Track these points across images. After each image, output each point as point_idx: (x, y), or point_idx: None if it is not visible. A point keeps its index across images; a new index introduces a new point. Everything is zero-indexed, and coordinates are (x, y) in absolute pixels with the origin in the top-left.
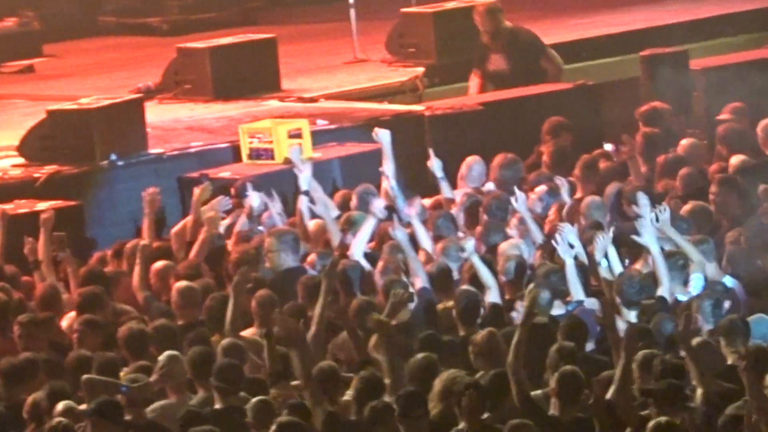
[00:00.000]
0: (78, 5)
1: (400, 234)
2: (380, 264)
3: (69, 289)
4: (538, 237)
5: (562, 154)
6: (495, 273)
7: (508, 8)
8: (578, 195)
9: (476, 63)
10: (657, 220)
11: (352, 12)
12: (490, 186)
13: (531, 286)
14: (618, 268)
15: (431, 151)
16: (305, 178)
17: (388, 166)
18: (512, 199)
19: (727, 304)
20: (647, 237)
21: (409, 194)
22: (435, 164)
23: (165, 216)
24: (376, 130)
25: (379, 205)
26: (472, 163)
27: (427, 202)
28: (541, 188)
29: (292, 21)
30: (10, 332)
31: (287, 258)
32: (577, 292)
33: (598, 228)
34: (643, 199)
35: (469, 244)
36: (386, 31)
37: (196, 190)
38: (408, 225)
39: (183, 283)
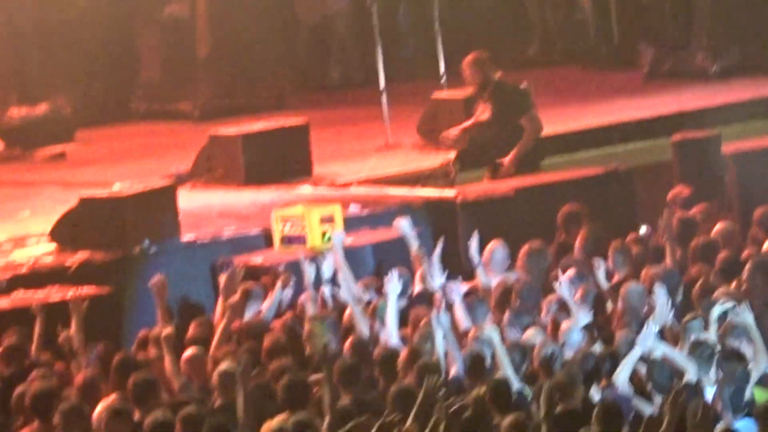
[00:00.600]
0: (109, 91)
1: (443, 321)
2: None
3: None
4: (583, 318)
5: (595, 240)
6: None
7: (538, 92)
8: (614, 280)
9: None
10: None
11: (384, 97)
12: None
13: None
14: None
15: (475, 235)
16: (328, 265)
17: (418, 250)
18: (555, 284)
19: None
20: (646, 340)
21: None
22: (474, 248)
23: (198, 302)
24: (395, 222)
25: (393, 286)
26: (494, 249)
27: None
28: (570, 272)
29: (324, 106)
30: (51, 420)
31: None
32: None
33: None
34: (661, 292)
35: (490, 330)
36: (417, 117)
37: (222, 278)
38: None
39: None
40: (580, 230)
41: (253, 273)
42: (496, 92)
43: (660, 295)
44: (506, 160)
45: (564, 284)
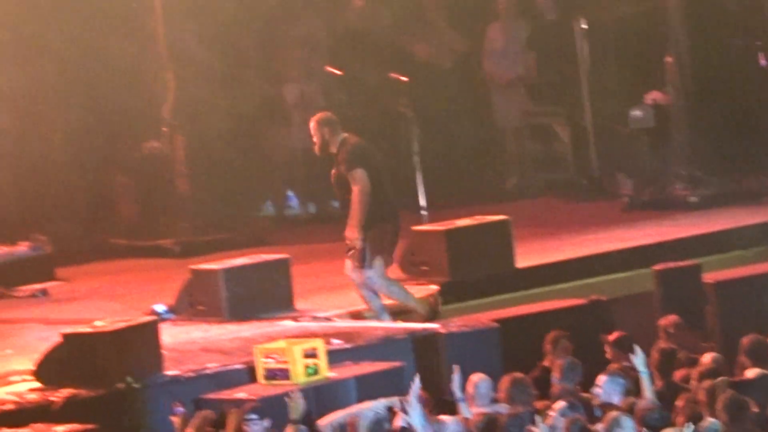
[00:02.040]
0: (89, 228)
1: None
2: None
3: None
4: None
5: (573, 367)
6: None
7: (519, 224)
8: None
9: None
10: None
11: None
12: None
13: None
14: None
15: (456, 369)
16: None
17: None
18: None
19: None
20: None
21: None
22: (456, 383)
23: None
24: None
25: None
26: (477, 382)
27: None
28: (561, 404)
29: (302, 240)
30: None
31: None
32: None
33: None
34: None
35: None
36: (397, 250)
37: (175, 420)
38: None
39: None
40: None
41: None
42: (340, 150)
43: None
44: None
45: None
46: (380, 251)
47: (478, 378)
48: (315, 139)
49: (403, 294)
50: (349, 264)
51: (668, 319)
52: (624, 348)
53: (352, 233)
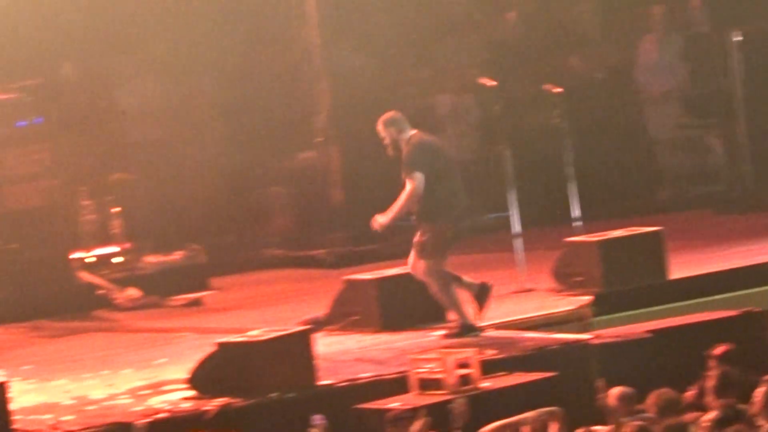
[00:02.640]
0: (243, 238)
1: None
2: None
3: None
4: None
5: (727, 381)
6: None
7: (672, 236)
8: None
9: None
10: None
11: (518, 242)
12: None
13: None
14: None
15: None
16: None
17: None
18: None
19: None
20: None
21: None
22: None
23: None
24: None
25: None
26: (620, 394)
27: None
28: (714, 415)
29: (458, 252)
30: None
31: None
32: None
33: None
34: None
35: None
36: (550, 261)
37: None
38: None
39: None
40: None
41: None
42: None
43: None
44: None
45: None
46: (439, 247)
47: (620, 390)
48: (385, 141)
49: (451, 299)
50: (411, 259)
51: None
52: (729, 362)
53: (379, 221)
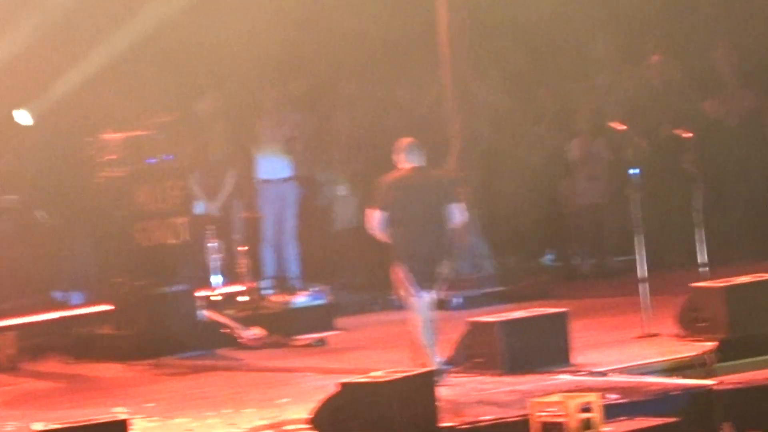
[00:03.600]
0: (368, 280)
1: None
2: None
3: None
4: None
5: None
6: None
7: None
8: None
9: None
10: None
11: (643, 286)
12: None
13: None
14: None
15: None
16: None
17: None
18: None
19: None
20: None
21: None
22: None
23: None
24: None
25: None
26: None
27: None
28: None
29: (584, 295)
30: None
31: None
32: None
33: None
34: None
35: None
36: (675, 306)
37: None
38: None
39: None
40: None
41: None
42: None
43: None
44: None
45: None
46: (405, 287)
47: None
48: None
49: (424, 341)
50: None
51: None
52: None
53: None
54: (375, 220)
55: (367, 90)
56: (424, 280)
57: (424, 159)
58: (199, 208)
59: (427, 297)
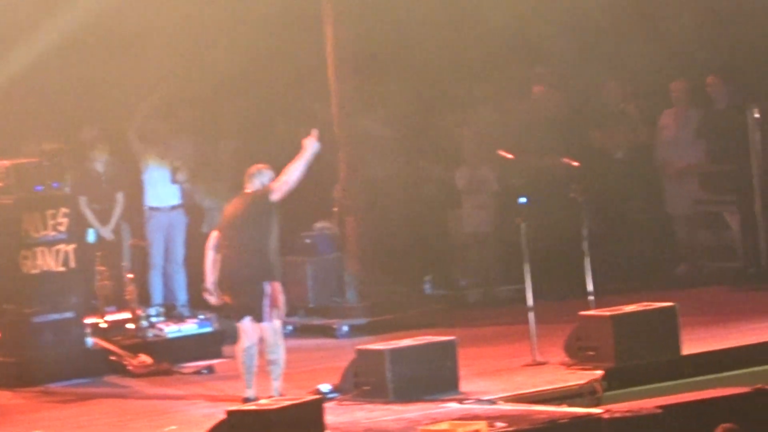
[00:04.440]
0: None
1: None
2: None
3: None
4: None
5: None
6: None
7: (687, 311)
8: None
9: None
10: None
11: (531, 315)
12: None
13: None
14: None
15: None
16: None
17: None
18: None
19: None
20: None
21: None
22: None
23: None
24: None
25: None
26: None
27: None
28: None
29: (472, 323)
30: None
31: None
32: None
33: None
34: None
35: None
36: (564, 335)
37: None
38: None
39: None
40: None
41: None
42: None
43: None
44: None
45: None
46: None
47: None
48: None
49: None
50: None
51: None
52: None
53: None
54: (210, 240)
55: (253, 119)
56: (242, 306)
57: (260, 184)
58: (92, 235)
59: (248, 322)
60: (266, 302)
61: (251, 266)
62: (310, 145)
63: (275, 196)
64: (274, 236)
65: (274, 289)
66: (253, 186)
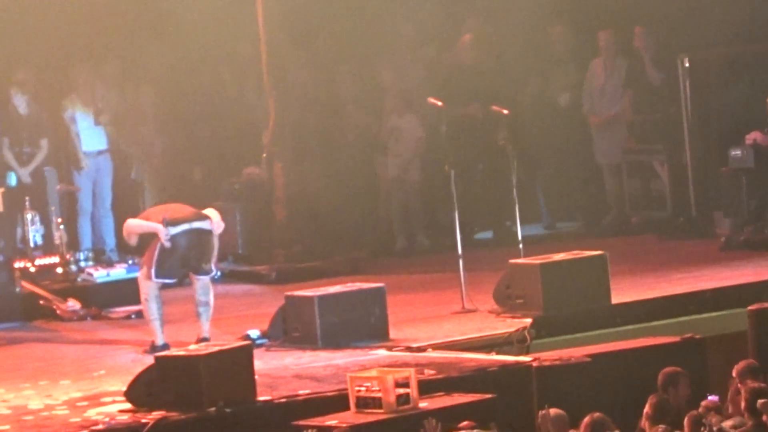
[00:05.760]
0: None
1: None
2: None
3: None
4: None
5: (664, 407)
6: None
7: (616, 260)
8: None
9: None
10: None
11: (461, 262)
12: None
13: None
14: None
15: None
16: None
17: None
18: None
19: None
20: None
21: None
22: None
23: None
24: None
25: None
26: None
27: None
28: None
29: (399, 271)
30: None
31: None
32: None
33: None
34: None
35: None
36: (494, 282)
37: None
38: None
39: None
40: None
41: None
42: None
43: None
44: None
45: None
46: None
47: (554, 413)
48: None
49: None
50: None
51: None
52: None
53: None
54: None
55: (180, 65)
56: None
57: None
58: (12, 179)
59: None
60: None
61: None
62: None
63: None
64: None
65: None
66: None
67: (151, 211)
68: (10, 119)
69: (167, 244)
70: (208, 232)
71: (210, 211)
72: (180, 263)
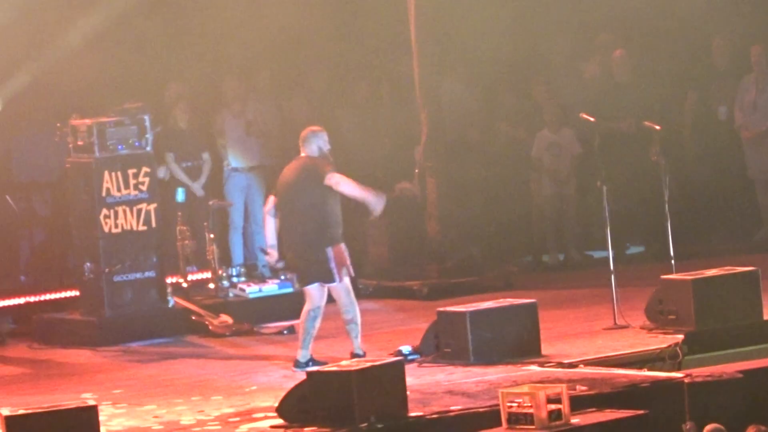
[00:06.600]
0: None
1: None
2: None
3: None
4: None
5: None
6: None
7: (765, 275)
8: None
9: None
10: None
11: (612, 278)
12: None
13: None
14: None
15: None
16: None
17: None
18: None
19: None
20: None
21: None
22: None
23: None
24: None
25: None
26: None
27: None
28: None
29: (552, 286)
30: None
31: None
32: None
33: None
34: None
35: None
36: (646, 298)
37: None
38: None
39: None
40: None
41: None
42: None
43: None
44: None
45: None
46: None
47: (711, 428)
48: None
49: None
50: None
51: None
52: None
53: None
54: (268, 204)
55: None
56: (309, 272)
57: (317, 148)
58: (181, 194)
59: (314, 287)
60: (332, 265)
61: (309, 234)
62: (376, 204)
63: (327, 182)
64: (335, 199)
65: (337, 252)
66: (309, 150)
67: None
68: (173, 134)
69: (377, 212)
70: None
71: None
72: None
